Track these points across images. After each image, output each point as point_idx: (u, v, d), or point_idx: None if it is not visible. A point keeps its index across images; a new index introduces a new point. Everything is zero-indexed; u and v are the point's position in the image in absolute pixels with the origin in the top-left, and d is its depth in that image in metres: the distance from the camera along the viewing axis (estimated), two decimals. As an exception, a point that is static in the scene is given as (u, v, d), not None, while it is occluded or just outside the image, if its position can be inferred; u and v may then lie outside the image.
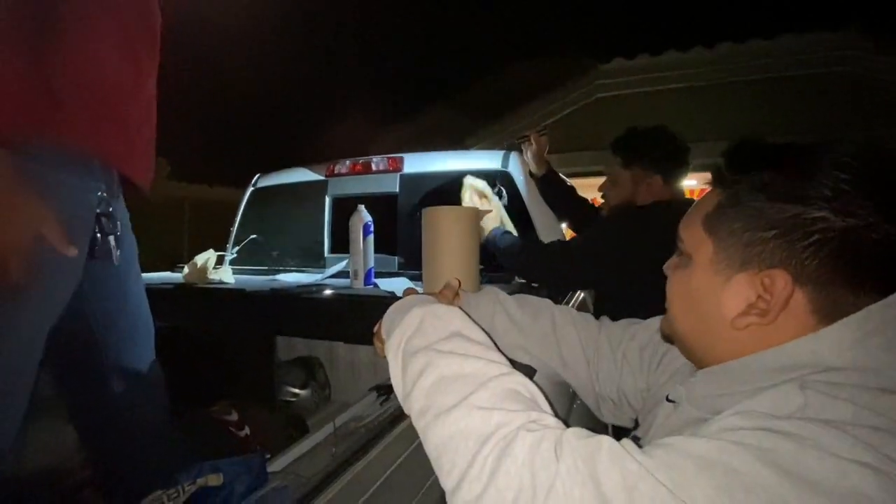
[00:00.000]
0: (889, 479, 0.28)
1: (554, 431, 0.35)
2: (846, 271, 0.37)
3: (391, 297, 0.76)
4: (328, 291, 1.16)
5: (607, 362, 0.63)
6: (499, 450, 0.35)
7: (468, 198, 1.29)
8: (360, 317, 0.97)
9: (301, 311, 1.14)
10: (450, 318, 0.50)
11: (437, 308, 0.51)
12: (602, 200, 1.44)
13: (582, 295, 1.62)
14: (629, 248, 1.14)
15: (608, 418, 0.66)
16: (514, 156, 1.56)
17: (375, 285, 1.24)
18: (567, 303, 1.43)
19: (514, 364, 0.47)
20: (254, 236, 1.81)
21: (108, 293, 0.76)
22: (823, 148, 0.40)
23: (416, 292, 0.64)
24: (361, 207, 1.27)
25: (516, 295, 0.73)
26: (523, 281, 1.31)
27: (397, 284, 1.19)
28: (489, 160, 1.58)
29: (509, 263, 1.26)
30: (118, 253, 0.73)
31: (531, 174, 1.55)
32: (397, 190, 1.62)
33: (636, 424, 0.59)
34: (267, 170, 1.92)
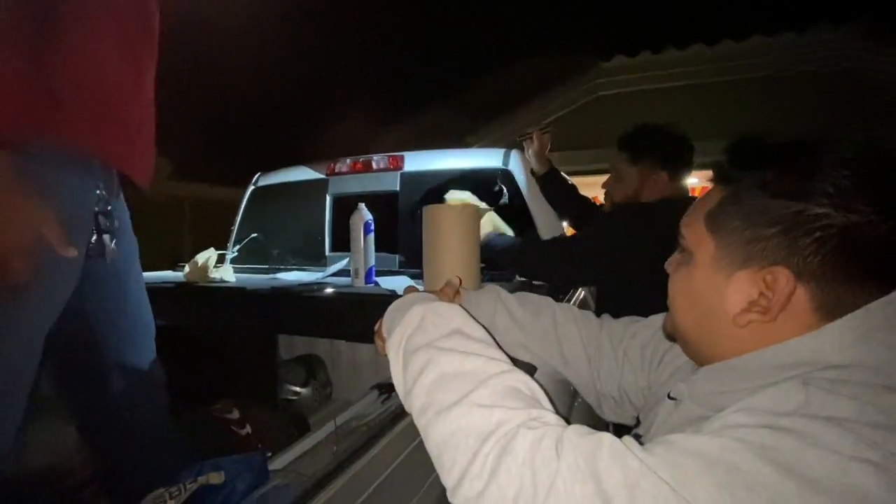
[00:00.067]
0: (892, 477, 0.27)
1: (555, 429, 0.35)
2: (848, 268, 0.37)
3: (392, 296, 0.76)
4: (329, 290, 1.16)
5: (608, 360, 0.63)
6: (500, 447, 0.35)
7: None
8: (360, 315, 0.97)
9: (302, 309, 1.15)
10: (451, 315, 0.50)
11: (437, 306, 0.51)
12: (604, 198, 1.44)
13: (583, 293, 1.62)
14: (631, 246, 1.14)
15: (609, 416, 0.66)
16: (514, 154, 1.56)
17: (376, 284, 1.24)
18: (568, 300, 1.43)
19: (515, 362, 0.47)
20: (254, 235, 1.81)
21: (108, 292, 0.76)
22: (825, 145, 0.39)
23: (417, 290, 0.64)
24: (362, 206, 1.27)
25: (517, 293, 0.73)
26: (524, 279, 1.31)
27: (398, 283, 1.19)
28: (490, 158, 1.58)
29: (509, 262, 1.26)
30: (115, 250, 0.73)
31: (533, 172, 1.54)
32: (398, 188, 1.62)
33: (637, 422, 0.59)
34: (268, 169, 1.92)
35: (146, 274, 0.88)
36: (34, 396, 0.65)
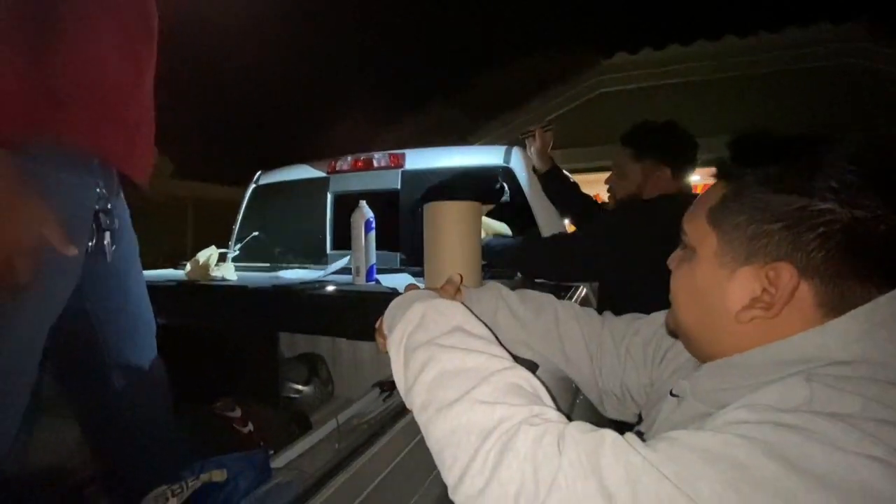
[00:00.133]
0: None
1: (556, 426, 0.35)
2: (853, 263, 0.36)
3: (393, 294, 0.76)
4: (330, 288, 1.16)
5: (610, 357, 0.63)
6: (501, 444, 0.35)
7: None
8: (362, 313, 0.97)
9: (303, 307, 1.15)
10: (452, 312, 0.50)
11: (438, 303, 0.51)
12: (606, 195, 1.44)
13: (585, 290, 1.61)
14: (632, 242, 1.13)
15: (611, 413, 0.66)
16: (515, 151, 1.56)
17: (377, 282, 1.24)
18: (570, 298, 1.43)
19: (517, 359, 0.46)
20: (256, 233, 1.81)
21: (108, 291, 0.76)
22: (829, 140, 0.39)
23: (418, 288, 0.64)
24: (363, 204, 1.27)
25: (519, 290, 0.72)
26: (526, 277, 1.31)
27: (399, 281, 1.19)
28: (491, 156, 1.58)
29: (509, 262, 1.25)
30: (114, 249, 0.73)
31: (534, 170, 1.54)
32: (399, 186, 1.62)
33: (639, 419, 0.59)
34: (269, 167, 1.92)
35: (148, 272, 0.89)
36: (36, 396, 0.65)
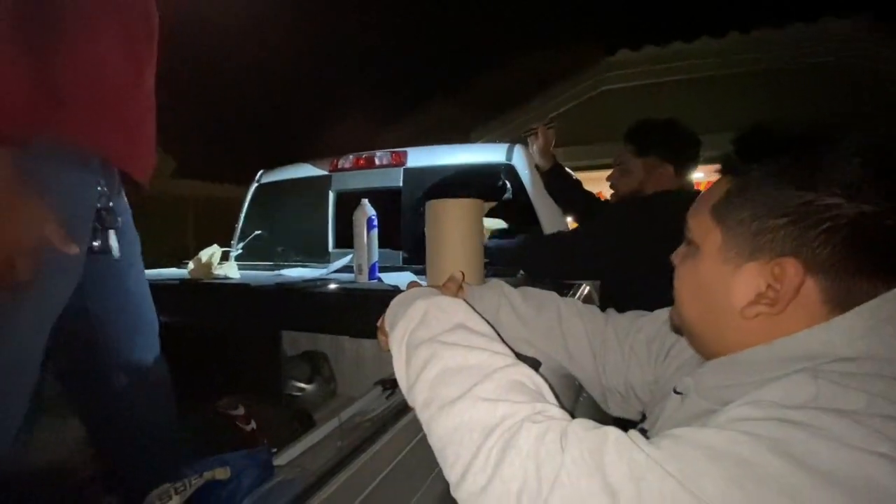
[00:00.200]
0: None
1: (559, 423, 0.35)
2: (859, 259, 0.36)
3: (395, 291, 0.76)
4: (333, 286, 1.16)
5: (614, 355, 0.63)
6: (503, 441, 0.34)
7: None
8: (364, 311, 0.97)
9: (306, 305, 1.15)
10: (454, 310, 0.50)
11: (440, 300, 0.51)
12: (609, 193, 1.43)
13: (588, 288, 1.61)
14: (632, 239, 1.13)
15: (615, 411, 0.65)
16: (518, 148, 1.55)
17: (379, 280, 1.24)
18: (573, 295, 1.42)
19: (519, 357, 0.46)
20: (258, 232, 1.81)
21: (109, 290, 0.77)
22: (835, 135, 0.39)
23: (420, 286, 0.63)
24: (365, 202, 1.27)
25: (521, 287, 0.72)
26: (528, 275, 1.30)
27: (401, 279, 1.19)
28: (493, 153, 1.57)
29: (510, 261, 1.25)
30: (118, 248, 0.73)
31: (537, 168, 1.54)
32: (401, 184, 1.62)
33: (643, 417, 0.59)
34: (271, 166, 1.92)
35: (151, 271, 0.89)
36: (39, 395, 0.65)
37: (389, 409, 0.65)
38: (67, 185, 0.64)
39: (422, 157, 1.63)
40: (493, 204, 1.29)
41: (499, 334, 0.50)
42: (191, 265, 1.40)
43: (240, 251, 1.83)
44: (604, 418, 0.51)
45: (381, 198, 1.42)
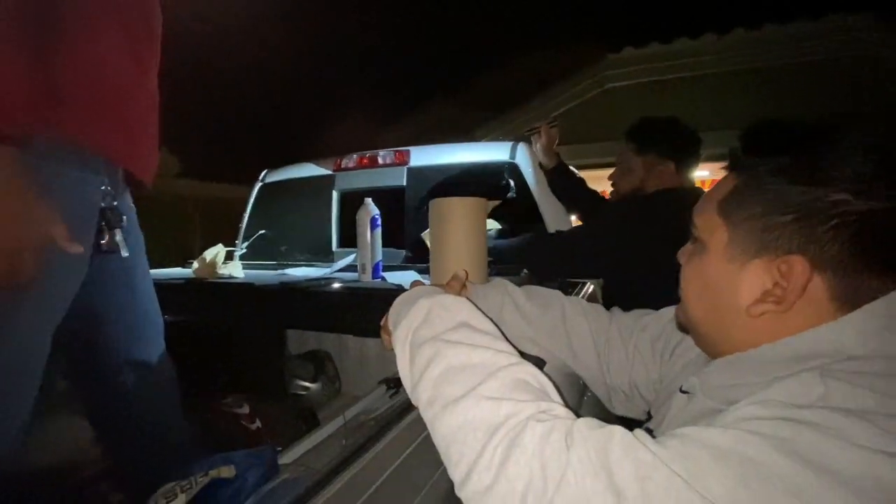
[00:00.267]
0: None
1: (564, 422, 0.35)
2: (868, 255, 0.36)
3: (398, 290, 0.76)
4: (336, 285, 1.16)
5: (618, 353, 0.62)
6: (508, 440, 0.34)
7: None
8: (368, 310, 0.97)
9: (310, 304, 1.15)
10: (457, 308, 0.49)
11: (444, 299, 0.51)
12: (611, 191, 1.43)
13: (592, 287, 1.60)
14: (633, 237, 1.13)
15: (619, 410, 0.65)
16: (521, 147, 1.55)
17: (383, 279, 1.24)
18: (578, 294, 1.42)
19: (524, 355, 0.46)
20: (262, 231, 1.82)
21: (115, 289, 0.77)
22: (843, 130, 0.38)
23: (424, 284, 0.63)
24: (368, 201, 1.27)
25: (525, 286, 0.72)
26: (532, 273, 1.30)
27: (405, 277, 1.19)
28: (496, 152, 1.57)
29: (512, 258, 1.25)
30: (125, 247, 0.73)
31: (541, 166, 1.53)
32: (404, 183, 1.62)
33: (649, 416, 0.58)
34: (275, 166, 1.93)
35: (156, 271, 0.89)
36: (44, 394, 0.66)
37: (393, 407, 0.65)
38: (71, 183, 0.64)
39: (425, 155, 1.62)
40: (496, 202, 1.28)
41: (503, 333, 0.50)
42: (196, 264, 1.40)
43: (244, 250, 1.83)
44: (608, 417, 0.51)
45: (384, 197, 1.42)
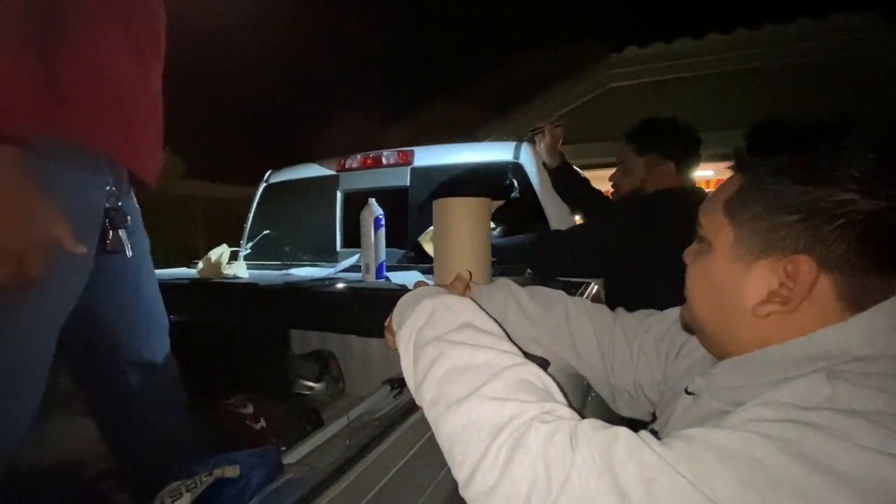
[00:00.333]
0: None
1: (569, 423, 0.35)
2: (875, 255, 0.35)
3: (402, 290, 0.76)
4: (340, 285, 1.16)
5: (622, 354, 0.62)
6: (512, 441, 0.34)
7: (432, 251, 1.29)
8: (372, 310, 0.97)
9: (314, 304, 1.15)
10: (461, 308, 0.49)
11: (448, 299, 0.51)
12: (612, 190, 1.43)
13: (595, 287, 1.60)
14: (633, 237, 1.12)
15: (624, 411, 0.65)
16: (525, 146, 1.55)
17: (387, 279, 1.24)
18: (582, 294, 1.42)
19: (528, 356, 0.46)
20: (267, 232, 1.82)
21: (119, 289, 0.77)
22: (849, 130, 0.38)
23: (428, 285, 0.63)
24: (372, 201, 1.27)
25: (529, 286, 0.72)
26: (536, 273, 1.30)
27: (409, 278, 1.19)
28: (500, 152, 1.56)
29: (514, 258, 1.25)
30: (129, 247, 0.73)
31: (545, 166, 1.53)
32: (408, 183, 1.62)
33: (653, 417, 0.58)
34: (279, 166, 1.94)
35: (161, 271, 0.90)
36: (50, 393, 0.66)
37: (397, 407, 0.65)
38: (72, 184, 0.64)
39: (429, 156, 1.62)
40: (500, 202, 1.28)
41: (506, 333, 0.50)
42: (200, 265, 1.41)
43: (248, 251, 1.84)
44: (612, 418, 0.50)
45: (388, 197, 1.42)
